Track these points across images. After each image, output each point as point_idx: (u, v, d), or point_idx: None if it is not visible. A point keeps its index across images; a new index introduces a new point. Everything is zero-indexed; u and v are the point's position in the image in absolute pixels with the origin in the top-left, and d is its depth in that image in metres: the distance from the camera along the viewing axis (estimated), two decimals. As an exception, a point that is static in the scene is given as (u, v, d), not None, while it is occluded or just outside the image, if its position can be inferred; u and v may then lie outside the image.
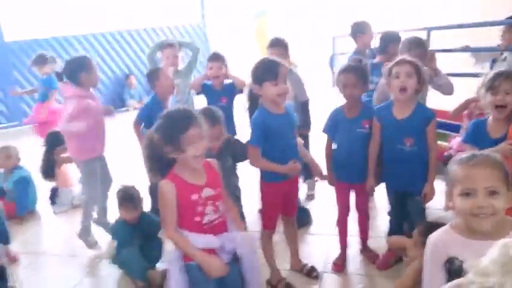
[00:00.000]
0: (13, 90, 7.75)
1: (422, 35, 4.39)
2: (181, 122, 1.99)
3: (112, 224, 3.40)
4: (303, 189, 4.12)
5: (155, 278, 3.02)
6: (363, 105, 2.90)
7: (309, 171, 3.41)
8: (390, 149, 2.77)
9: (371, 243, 3.20)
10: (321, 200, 4.06)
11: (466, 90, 3.68)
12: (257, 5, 10.85)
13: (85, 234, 3.66)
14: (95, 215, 3.79)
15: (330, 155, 2.99)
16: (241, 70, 4.31)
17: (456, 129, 4.03)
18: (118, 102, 9.71)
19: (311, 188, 4.25)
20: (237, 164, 4.04)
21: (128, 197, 3.18)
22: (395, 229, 3.00)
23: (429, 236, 1.75)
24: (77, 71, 3.42)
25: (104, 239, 3.74)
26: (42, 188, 4.70)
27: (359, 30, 4.71)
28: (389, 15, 7.52)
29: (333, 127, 2.94)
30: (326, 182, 3.05)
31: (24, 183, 4.47)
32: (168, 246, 3.32)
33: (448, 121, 4.01)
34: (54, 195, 4.65)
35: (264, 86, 2.58)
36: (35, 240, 4.01)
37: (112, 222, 3.43)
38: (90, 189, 3.66)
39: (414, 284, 2.24)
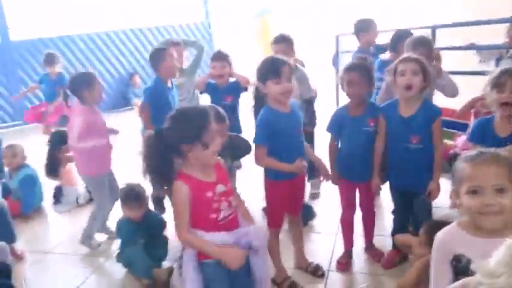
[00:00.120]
0: (13, 96, 7.82)
1: (427, 33, 4.38)
2: (202, 118, 2.01)
3: (116, 222, 3.41)
4: (307, 187, 4.11)
5: (160, 276, 3.03)
6: (368, 103, 2.89)
7: (313, 170, 3.41)
8: (396, 147, 2.77)
9: (376, 241, 3.19)
10: (326, 198, 4.06)
11: (470, 88, 3.66)
12: (261, 4, 10.85)
13: (87, 240, 3.66)
14: None
15: (334, 154, 2.98)
16: (245, 68, 4.31)
17: (462, 127, 4.02)
18: (122, 101, 9.72)
19: (316, 186, 4.24)
20: (239, 161, 4.06)
21: (133, 196, 3.19)
22: (399, 228, 2.99)
23: (437, 233, 1.75)
24: (80, 88, 3.42)
25: (108, 238, 3.76)
26: (48, 186, 4.71)
27: (362, 29, 4.70)
28: (394, 13, 7.50)
29: (337, 126, 2.93)
30: (329, 183, 3.03)
31: (30, 182, 4.48)
32: (173, 245, 3.35)
33: (454, 119, 4.00)
34: (58, 194, 4.66)
35: (267, 85, 2.60)
36: (40, 239, 4.02)
37: (114, 222, 3.44)
38: (100, 203, 3.65)
39: (417, 282, 2.24)
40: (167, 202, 3.82)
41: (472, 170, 1.59)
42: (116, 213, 3.52)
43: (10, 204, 3.84)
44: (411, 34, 3.85)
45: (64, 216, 4.48)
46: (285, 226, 2.99)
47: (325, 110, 4.31)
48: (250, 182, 3.67)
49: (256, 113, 2.74)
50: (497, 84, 2.52)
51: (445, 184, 2.79)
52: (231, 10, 10.56)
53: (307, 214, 3.64)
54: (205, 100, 4.09)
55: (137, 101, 9.67)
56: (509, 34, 4.51)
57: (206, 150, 2.00)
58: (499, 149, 1.69)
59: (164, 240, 3.29)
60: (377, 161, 2.85)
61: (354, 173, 2.92)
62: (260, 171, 2.82)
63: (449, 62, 3.59)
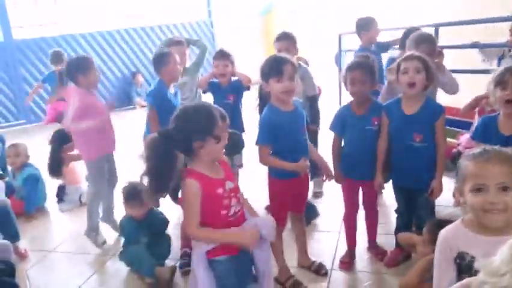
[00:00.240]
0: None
1: (430, 31, 4.35)
2: (210, 112, 2.02)
3: (120, 221, 3.41)
4: (310, 186, 4.11)
5: (163, 274, 3.02)
6: (371, 102, 2.88)
7: (316, 168, 3.41)
8: (399, 145, 2.76)
9: (379, 240, 3.18)
10: (329, 197, 4.06)
11: (473, 87, 3.65)
12: (263, 2, 10.85)
13: (92, 233, 3.66)
14: (100, 213, 3.80)
15: (338, 153, 2.98)
16: (247, 67, 4.31)
17: (466, 126, 4.00)
18: (125, 100, 9.73)
19: (319, 185, 4.24)
20: (240, 160, 4.05)
21: (134, 194, 3.18)
22: (402, 227, 2.99)
23: (440, 231, 1.74)
24: (76, 72, 3.42)
25: (112, 236, 3.76)
26: (51, 185, 4.72)
27: (363, 27, 4.70)
28: (397, 11, 7.49)
29: (340, 124, 2.92)
30: (332, 182, 3.02)
31: (33, 181, 4.49)
32: (176, 243, 3.36)
33: (458, 118, 3.99)
34: (61, 193, 4.67)
35: (270, 83, 2.60)
36: (43, 237, 4.03)
37: (119, 219, 3.44)
38: (95, 187, 3.65)
39: (420, 281, 2.23)
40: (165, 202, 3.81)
41: (476, 168, 1.59)
42: (120, 211, 3.52)
43: (13, 203, 3.84)
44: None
45: (67, 215, 4.49)
46: (288, 225, 2.98)
47: (328, 109, 4.31)
48: (253, 181, 3.66)
49: (261, 111, 2.74)
50: (501, 81, 2.51)
51: (448, 183, 2.79)
52: (234, 9, 10.56)
53: (311, 213, 3.64)
54: (207, 99, 4.08)
55: (140, 100, 9.72)
56: None
57: (218, 144, 2.02)
58: (503, 148, 1.68)
59: (167, 239, 3.30)
60: (379, 159, 2.84)
61: (357, 171, 2.92)
62: (262, 170, 2.82)
63: (451, 60, 3.57)
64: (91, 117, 3.40)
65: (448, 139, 3.33)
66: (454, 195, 3.22)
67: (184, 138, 1.98)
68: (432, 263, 1.80)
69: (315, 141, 3.76)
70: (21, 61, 8.87)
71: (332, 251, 3.24)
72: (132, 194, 3.19)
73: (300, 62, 3.85)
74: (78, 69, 3.41)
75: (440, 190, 2.74)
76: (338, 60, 6.64)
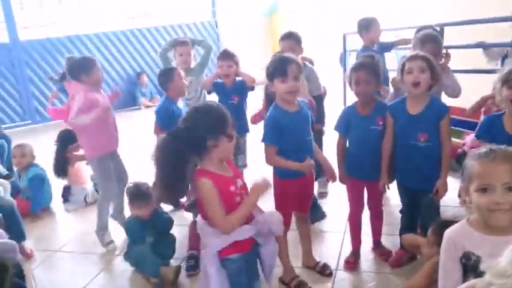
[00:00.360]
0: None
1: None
2: (221, 111, 2.04)
3: (126, 221, 3.43)
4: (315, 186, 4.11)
5: (168, 274, 3.03)
6: (376, 101, 2.88)
7: (321, 169, 3.40)
8: (404, 145, 2.75)
9: (384, 240, 3.18)
10: (334, 197, 4.05)
11: (477, 88, 3.64)
12: (268, 3, 10.84)
13: (100, 232, 3.68)
14: (111, 210, 3.81)
15: (342, 153, 2.97)
16: (252, 68, 4.32)
17: (471, 126, 3.98)
18: (130, 100, 9.75)
19: (324, 185, 4.23)
20: (244, 160, 4.05)
21: (139, 194, 3.20)
22: (407, 227, 2.98)
23: (446, 231, 1.74)
24: (79, 72, 3.44)
25: (119, 235, 3.77)
26: (57, 185, 4.74)
27: (364, 28, 4.69)
28: (402, 11, 7.47)
29: (345, 125, 2.92)
30: (337, 182, 3.01)
31: (39, 181, 4.51)
32: (180, 243, 3.37)
33: (463, 118, 3.97)
34: (67, 193, 4.69)
35: (274, 83, 2.60)
36: (49, 237, 4.04)
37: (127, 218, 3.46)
38: (105, 187, 3.67)
39: (426, 284, 2.22)
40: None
41: (482, 168, 1.58)
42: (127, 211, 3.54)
43: (19, 204, 3.86)
44: (435, 30, 3.76)
45: (72, 215, 4.50)
46: (293, 225, 2.98)
47: (333, 109, 4.31)
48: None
49: (267, 111, 2.74)
50: (507, 80, 2.50)
51: (453, 183, 2.78)
52: (238, 9, 10.56)
53: (317, 214, 3.63)
54: (211, 100, 4.09)
55: (145, 100, 9.74)
56: None
57: (230, 143, 2.04)
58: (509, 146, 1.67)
59: (172, 239, 3.30)
60: (384, 159, 2.83)
61: (362, 171, 2.91)
62: (267, 170, 2.82)
63: (456, 61, 3.56)
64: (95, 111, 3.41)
65: (453, 139, 3.32)
66: (459, 195, 3.23)
67: (198, 137, 1.98)
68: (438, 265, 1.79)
69: (319, 141, 3.75)
70: (26, 62, 8.90)
71: (336, 252, 3.24)
72: (137, 194, 3.20)
73: (305, 62, 3.85)
74: (81, 69, 3.43)
75: (445, 190, 2.72)
76: (343, 60, 6.62)
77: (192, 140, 1.97)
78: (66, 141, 4.63)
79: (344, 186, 3.05)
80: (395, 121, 2.77)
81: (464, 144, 4.09)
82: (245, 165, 4.09)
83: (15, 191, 4.42)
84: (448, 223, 1.92)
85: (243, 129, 3.96)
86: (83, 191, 4.68)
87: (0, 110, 8.70)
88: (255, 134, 3.03)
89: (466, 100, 3.53)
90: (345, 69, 6.15)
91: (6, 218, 3.61)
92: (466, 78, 3.48)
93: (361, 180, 2.96)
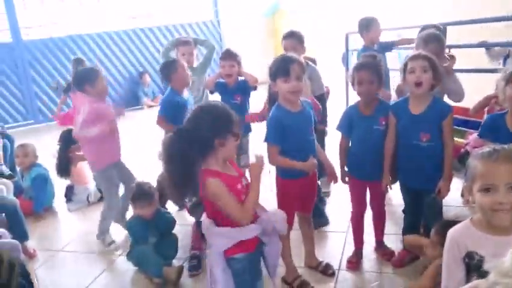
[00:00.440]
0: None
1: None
2: (228, 110, 2.05)
3: (128, 220, 3.43)
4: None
5: (170, 274, 3.03)
6: (378, 101, 2.87)
7: (323, 169, 3.40)
8: (406, 144, 2.74)
9: (386, 240, 3.17)
10: (337, 197, 4.04)
11: (479, 88, 3.63)
12: (270, 2, 10.83)
13: (101, 236, 3.70)
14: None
15: (345, 153, 2.97)
16: (254, 67, 4.31)
17: (474, 126, 3.97)
18: (133, 100, 9.77)
19: (326, 185, 4.22)
20: (247, 160, 4.04)
21: (141, 194, 3.20)
22: (410, 227, 2.97)
23: (449, 230, 1.74)
24: (83, 83, 3.46)
25: (120, 235, 3.78)
26: (60, 185, 4.75)
27: (364, 27, 4.69)
28: (404, 10, 7.45)
29: (347, 125, 2.91)
30: (338, 182, 3.01)
31: (42, 181, 4.51)
32: (182, 244, 3.37)
33: (467, 118, 3.96)
34: (69, 193, 4.70)
35: (277, 83, 2.60)
36: (52, 237, 4.05)
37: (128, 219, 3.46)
38: (110, 197, 3.69)
39: (432, 287, 2.22)
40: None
41: (486, 168, 1.58)
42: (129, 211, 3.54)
43: (22, 203, 3.88)
44: (439, 29, 3.72)
45: (75, 215, 4.51)
46: (296, 225, 2.98)
47: (335, 109, 4.30)
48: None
49: (270, 111, 2.74)
50: (510, 79, 2.50)
51: (456, 183, 2.77)
52: (240, 9, 10.56)
53: (321, 220, 3.61)
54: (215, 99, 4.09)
55: (147, 100, 9.75)
56: None
57: (236, 142, 2.05)
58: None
59: (174, 239, 3.30)
60: (387, 159, 2.83)
61: (365, 171, 2.91)
62: (268, 170, 2.81)
63: (459, 60, 3.54)
64: (101, 123, 3.42)
65: (456, 139, 3.31)
66: (462, 195, 3.22)
67: (205, 136, 1.98)
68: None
69: (322, 142, 3.75)
70: (29, 61, 8.92)
71: (339, 251, 3.24)
72: (140, 194, 3.21)
73: (307, 61, 3.84)
74: (85, 81, 3.45)
75: (448, 190, 2.72)
76: (345, 59, 6.61)
77: (199, 139, 1.97)
78: (69, 141, 4.63)
79: (347, 186, 3.05)
80: (398, 121, 2.76)
81: (467, 144, 4.08)
82: (247, 165, 4.09)
83: (18, 191, 4.44)
84: (451, 223, 1.92)
85: (246, 129, 3.96)
86: (86, 190, 4.69)
87: (3, 109, 8.73)
88: (257, 134, 3.02)
89: (469, 100, 3.52)
90: (347, 69, 6.14)
91: (9, 217, 3.62)
92: (469, 78, 3.46)
93: (363, 180, 2.96)
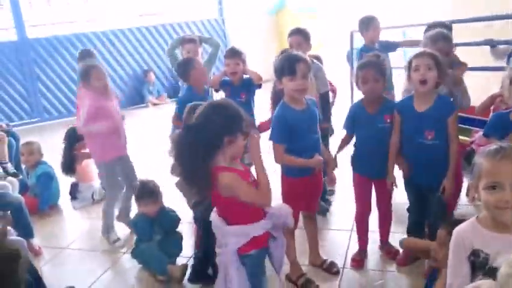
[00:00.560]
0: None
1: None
2: (238, 109, 2.04)
3: (132, 218, 3.44)
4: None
5: (175, 272, 3.04)
6: (383, 99, 2.86)
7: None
8: (411, 142, 2.73)
9: (391, 239, 3.16)
10: (342, 195, 4.04)
11: (485, 86, 3.61)
12: (275, 0, 10.82)
13: (106, 231, 3.72)
14: (117, 212, 3.84)
15: (343, 144, 2.97)
16: (259, 65, 4.30)
17: (480, 124, 3.95)
18: (137, 98, 9.78)
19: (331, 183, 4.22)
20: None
21: (146, 192, 3.21)
22: (414, 226, 2.97)
23: (455, 228, 1.73)
24: (85, 78, 3.50)
25: (125, 233, 3.79)
26: (65, 183, 4.76)
27: (363, 27, 4.67)
28: (409, 8, 7.43)
29: (352, 123, 2.92)
30: (342, 178, 3.00)
31: (47, 179, 4.53)
32: (187, 242, 3.38)
33: (472, 116, 3.93)
34: (74, 191, 4.71)
35: (283, 81, 2.59)
36: (57, 235, 4.07)
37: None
38: (110, 192, 3.72)
39: None
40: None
41: (491, 166, 1.57)
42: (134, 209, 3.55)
43: (27, 201, 3.88)
44: (447, 27, 3.68)
45: (79, 213, 4.52)
46: (300, 223, 2.98)
47: (340, 107, 4.29)
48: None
49: (274, 108, 2.73)
50: None
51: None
52: (245, 7, 10.55)
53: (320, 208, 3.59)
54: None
55: (152, 98, 9.76)
56: None
57: (244, 141, 2.04)
58: None
59: (179, 237, 3.31)
60: (391, 157, 2.82)
61: (370, 169, 2.90)
62: (272, 169, 2.80)
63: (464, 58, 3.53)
64: (103, 120, 3.44)
65: (461, 137, 3.29)
66: (467, 194, 3.21)
67: (215, 133, 1.97)
68: None
69: (326, 140, 3.74)
70: (35, 60, 8.94)
71: (343, 250, 3.23)
72: (144, 191, 3.21)
73: (313, 59, 3.83)
74: (81, 77, 3.50)
75: (452, 188, 2.70)
76: (350, 58, 6.59)
77: (209, 136, 1.96)
78: (73, 139, 4.65)
79: (352, 185, 3.04)
80: (402, 118, 2.75)
81: (472, 142, 4.06)
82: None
83: (23, 189, 4.45)
84: (458, 222, 1.91)
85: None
86: (91, 188, 4.70)
87: (9, 107, 8.75)
88: (263, 132, 3.02)
89: (475, 98, 3.50)
90: (352, 67, 6.12)
91: (15, 215, 3.64)
92: (474, 75, 3.44)
93: (369, 178, 2.95)
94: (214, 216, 2.14)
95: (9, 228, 3.23)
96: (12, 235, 3.16)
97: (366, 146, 2.88)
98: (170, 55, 4.34)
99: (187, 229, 3.58)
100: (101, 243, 3.71)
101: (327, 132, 3.97)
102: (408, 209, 3.12)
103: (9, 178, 4.43)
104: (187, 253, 3.32)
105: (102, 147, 3.57)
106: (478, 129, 4.11)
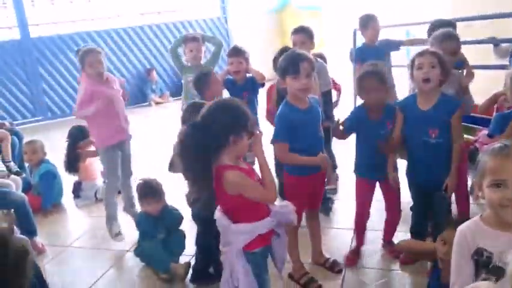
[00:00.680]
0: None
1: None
2: (243, 108, 2.04)
3: (135, 217, 3.44)
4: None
5: (178, 270, 3.05)
6: (385, 106, 2.85)
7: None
8: (414, 141, 2.73)
9: (394, 238, 3.15)
10: (344, 193, 4.03)
11: (489, 85, 3.60)
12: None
13: (108, 222, 3.72)
14: (121, 204, 3.84)
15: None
16: (262, 64, 4.30)
17: (483, 122, 3.94)
18: (140, 97, 9.79)
19: (333, 182, 4.21)
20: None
21: (148, 190, 3.21)
22: (417, 225, 2.96)
23: (459, 226, 1.73)
24: (81, 63, 3.54)
25: (129, 231, 3.79)
26: (68, 181, 4.77)
27: (362, 25, 4.66)
28: (413, 6, 7.42)
29: (352, 125, 2.92)
30: (346, 177, 3.00)
31: (50, 177, 4.54)
32: (190, 240, 3.37)
33: (476, 115, 3.92)
34: (77, 189, 4.72)
35: (286, 80, 2.58)
36: (60, 233, 4.08)
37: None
38: (108, 177, 3.73)
39: None
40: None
41: (495, 163, 1.57)
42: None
43: (30, 199, 3.89)
44: (452, 25, 3.66)
45: (82, 211, 4.53)
46: (303, 222, 2.97)
47: (343, 106, 4.29)
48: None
49: (278, 106, 2.73)
50: None
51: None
52: (248, 6, 10.54)
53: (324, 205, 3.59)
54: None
55: (155, 97, 9.77)
56: None
57: (249, 140, 2.03)
58: None
59: (182, 235, 3.31)
60: (391, 155, 2.82)
61: (374, 172, 2.90)
62: (272, 167, 2.81)
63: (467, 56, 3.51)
64: (97, 103, 3.46)
65: (465, 136, 3.28)
66: (470, 192, 3.20)
67: (221, 132, 1.96)
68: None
69: (328, 139, 3.74)
70: (38, 58, 8.97)
71: (346, 248, 3.22)
72: (146, 190, 3.21)
73: (316, 57, 3.83)
74: (83, 60, 3.51)
75: (455, 186, 2.70)
76: (353, 56, 6.58)
77: (215, 134, 1.96)
78: (77, 137, 4.66)
79: (354, 184, 3.04)
80: (406, 117, 2.75)
81: (476, 141, 4.06)
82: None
83: (26, 187, 4.47)
84: (463, 220, 1.90)
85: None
86: (94, 186, 4.71)
87: (12, 106, 8.78)
88: (266, 131, 3.01)
89: (478, 97, 3.49)
90: (355, 65, 6.11)
91: (18, 213, 3.65)
92: (476, 74, 3.42)
93: (374, 179, 2.94)
94: (218, 215, 2.13)
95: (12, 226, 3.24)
96: (16, 233, 3.17)
97: (369, 152, 2.87)
98: (173, 54, 4.34)
99: (190, 227, 3.58)
100: (104, 242, 3.71)
101: (329, 131, 3.96)
102: (411, 208, 3.11)
103: (13, 176, 4.45)
104: (190, 251, 3.32)
105: (101, 133, 3.61)
106: (481, 127, 4.10)
